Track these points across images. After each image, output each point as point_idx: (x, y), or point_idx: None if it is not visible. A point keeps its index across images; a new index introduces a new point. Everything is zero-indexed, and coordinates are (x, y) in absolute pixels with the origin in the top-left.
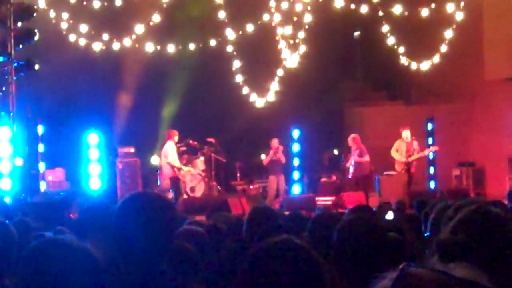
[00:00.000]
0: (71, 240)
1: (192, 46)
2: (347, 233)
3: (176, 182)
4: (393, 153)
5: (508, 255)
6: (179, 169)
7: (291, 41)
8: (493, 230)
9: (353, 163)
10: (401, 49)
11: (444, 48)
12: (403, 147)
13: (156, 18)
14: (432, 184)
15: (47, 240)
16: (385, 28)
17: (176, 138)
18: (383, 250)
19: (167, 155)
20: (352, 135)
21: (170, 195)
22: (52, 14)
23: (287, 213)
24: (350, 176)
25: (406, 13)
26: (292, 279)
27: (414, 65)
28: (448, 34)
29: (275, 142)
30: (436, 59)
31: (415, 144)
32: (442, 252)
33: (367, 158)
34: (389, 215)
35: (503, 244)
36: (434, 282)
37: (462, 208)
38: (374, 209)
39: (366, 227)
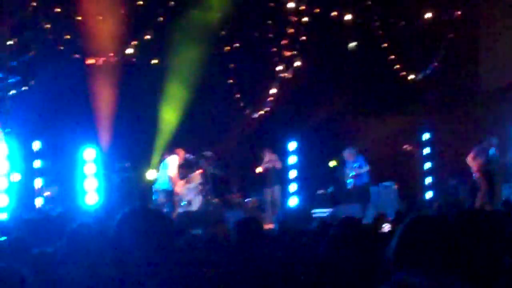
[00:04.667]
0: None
1: (188, 59)
2: (332, 247)
3: (170, 195)
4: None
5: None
6: (176, 183)
7: (287, 53)
8: (433, 236)
9: (352, 175)
10: (396, 60)
11: (439, 57)
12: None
13: (151, 31)
14: (429, 194)
15: None
16: (381, 38)
17: (181, 157)
18: (368, 265)
19: (168, 168)
20: (348, 149)
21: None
22: (48, 28)
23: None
24: (349, 187)
25: (401, 24)
26: None
27: (410, 76)
28: (444, 44)
29: (266, 153)
30: (431, 69)
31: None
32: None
33: (367, 168)
34: (386, 227)
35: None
36: None
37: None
38: (371, 221)
39: (351, 241)
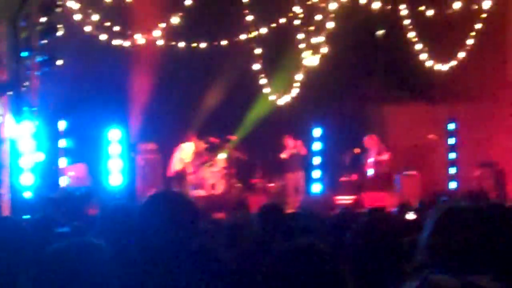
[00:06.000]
0: (91, 242)
1: (215, 44)
2: (360, 236)
3: (180, 177)
4: None
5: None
6: (187, 168)
7: (313, 40)
8: (467, 228)
9: (372, 162)
10: (424, 49)
11: (466, 48)
12: None
13: (179, 15)
14: (453, 185)
15: (68, 243)
16: (408, 27)
17: (197, 145)
18: (396, 254)
19: (182, 150)
20: (368, 136)
21: (192, 192)
22: (75, 8)
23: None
24: (370, 176)
25: (429, 12)
26: (313, 284)
27: (437, 65)
28: (472, 34)
29: (288, 140)
30: (459, 59)
31: None
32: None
33: (386, 156)
34: (410, 216)
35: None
36: None
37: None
38: (395, 210)
39: (379, 231)
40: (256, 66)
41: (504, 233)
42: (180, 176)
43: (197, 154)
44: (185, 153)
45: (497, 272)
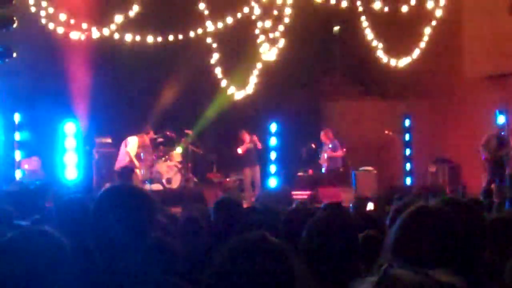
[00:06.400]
0: (48, 230)
1: (171, 38)
2: (316, 231)
3: (128, 171)
4: None
5: (459, 251)
6: (131, 161)
7: (271, 35)
8: (436, 229)
9: (326, 157)
10: (380, 45)
11: (423, 44)
12: None
13: (135, 8)
14: (408, 180)
15: (26, 231)
16: (365, 23)
17: (141, 139)
18: (352, 249)
19: (128, 144)
20: (324, 130)
21: (147, 186)
22: (31, 1)
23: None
24: (324, 171)
25: (386, 9)
26: (263, 277)
27: (392, 61)
28: (427, 30)
29: (245, 135)
30: (415, 55)
31: None
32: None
33: (340, 153)
34: (370, 206)
35: (451, 241)
36: (417, 284)
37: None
38: (350, 204)
39: (336, 226)
40: (213, 61)
41: (464, 229)
42: (127, 170)
43: (143, 148)
44: (130, 147)
45: (456, 267)
